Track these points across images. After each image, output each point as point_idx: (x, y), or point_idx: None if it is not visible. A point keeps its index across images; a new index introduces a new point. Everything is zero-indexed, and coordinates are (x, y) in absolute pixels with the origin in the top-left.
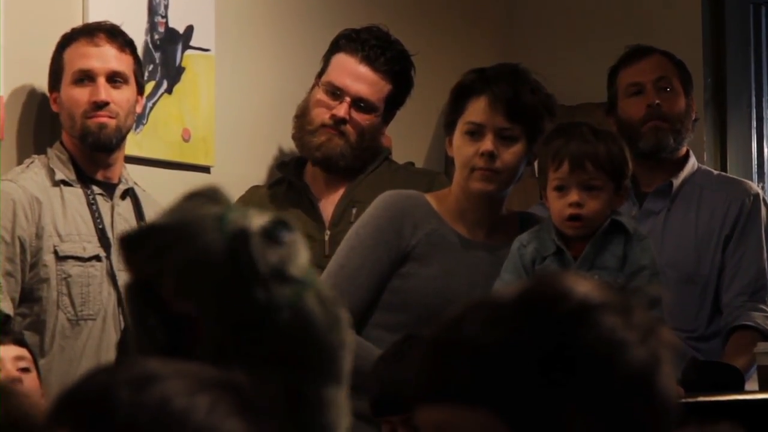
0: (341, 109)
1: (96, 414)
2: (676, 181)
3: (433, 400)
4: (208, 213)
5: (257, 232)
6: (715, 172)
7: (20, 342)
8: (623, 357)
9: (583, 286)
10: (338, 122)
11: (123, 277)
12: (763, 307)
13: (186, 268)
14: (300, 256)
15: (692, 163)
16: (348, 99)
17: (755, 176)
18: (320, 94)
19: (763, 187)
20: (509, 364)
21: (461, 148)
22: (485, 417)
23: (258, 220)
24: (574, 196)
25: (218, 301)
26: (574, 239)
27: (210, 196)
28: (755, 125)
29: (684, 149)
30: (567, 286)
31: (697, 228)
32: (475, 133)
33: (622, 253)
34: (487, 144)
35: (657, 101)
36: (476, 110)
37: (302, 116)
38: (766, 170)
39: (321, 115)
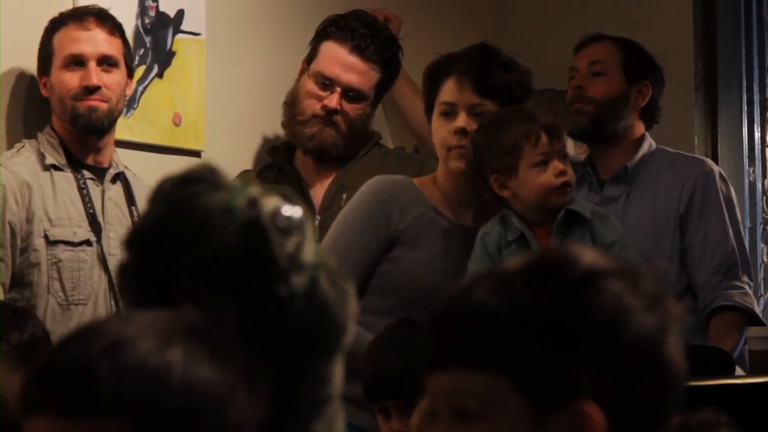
0: (332, 100)
1: (80, 392)
2: (631, 165)
3: (443, 367)
4: (214, 204)
5: (271, 225)
6: (672, 150)
7: None
8: (630, 322)
9: (590, 254)
10: (330, 113)
11: (114, 261)
12: (738, 284)
13: (205, 271)
14: (310, 237)
15: (648, 144)
16: (339, 89)
17: (746, 160)
18: (310, 85)
19: (753, 171)
20: (518, 328)
21: (437, 129)
22: (495, 381)
23: (268, 205)
24: (559, 165)
25: (240, 300)
26: (537, 224)
27: (208, 180)
28: (746, 109)
29: (640, 131)
30: (574, 254)
31: (655, 210)
32: (449, 113)
33: (589, 238)
34: (460, 121)
35: (579, 85)
36: (447, 90)
37: (292, 105)
38: (756, 154)
39: (312, 106)
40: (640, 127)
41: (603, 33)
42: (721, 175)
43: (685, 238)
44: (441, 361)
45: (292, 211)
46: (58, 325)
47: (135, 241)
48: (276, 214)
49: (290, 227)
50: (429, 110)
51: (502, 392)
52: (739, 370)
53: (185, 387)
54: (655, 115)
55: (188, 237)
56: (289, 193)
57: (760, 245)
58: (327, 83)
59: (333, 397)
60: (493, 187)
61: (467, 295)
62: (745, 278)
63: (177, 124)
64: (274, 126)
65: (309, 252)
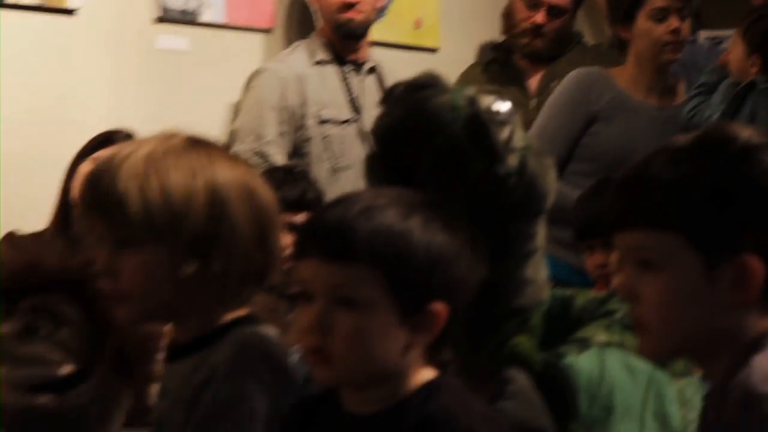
0: (539, 17)
1: (341, 243)
2: None
3: (629, 227)
4: (442, 104)
5: (489, 118)
6: None
7: None
8: None
9: (746, 132)
10: (538, 27)
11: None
12: None
13: (440, 159)
14: (519, 125)
15: None
16: (544, 8)
17: None
18: (520, 4)
19: None
20: (690, 194)
21: (651, 29)
22: (672, 238)
23: (484, 102)
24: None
25: (467, 179)
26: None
27: (434, 85)
28: None
29: None
30: (733, 132)
31: None
32: (661, 17)
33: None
34: (675, 22)
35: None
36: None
37: (508, 17)
38: None
39: (523, 21)
40: None
41: None
42: None
43: None
44: (628, 222)
45: (504, 106)
46: (330, 186)
47: (383, 137)
48: (491, 109)
49: (503, 119)
50: (626, 17)
51: (678, 247)
52: None
53: (424, 246)
54: None
55: (425, 133)
56: (499, 90)
57: None
58: (534, 3)
59: (538, 250)
60: None
61: (646, 167)
62: None
63: (418, 27)
64: (497, 27)
65: (519, 137)
